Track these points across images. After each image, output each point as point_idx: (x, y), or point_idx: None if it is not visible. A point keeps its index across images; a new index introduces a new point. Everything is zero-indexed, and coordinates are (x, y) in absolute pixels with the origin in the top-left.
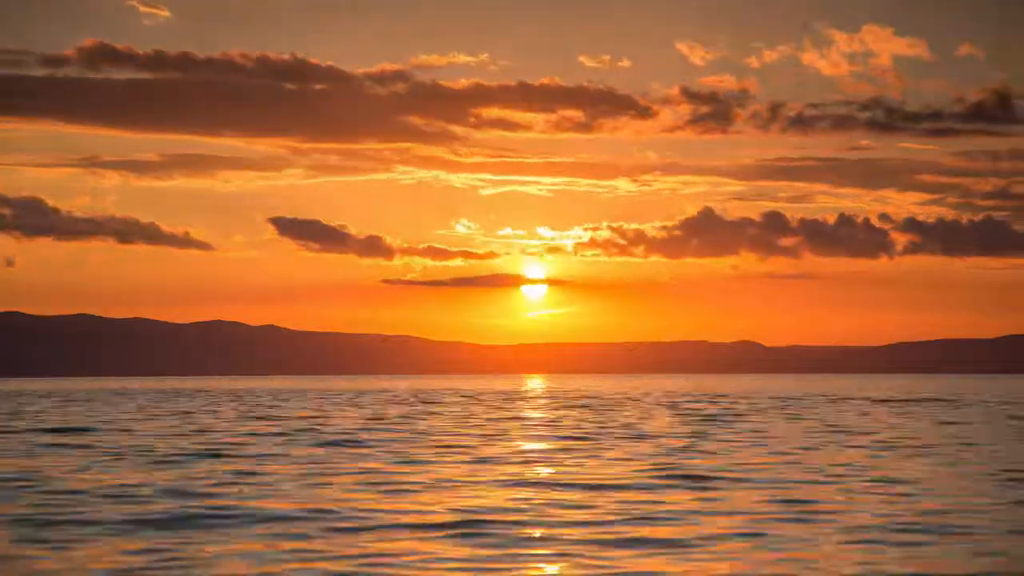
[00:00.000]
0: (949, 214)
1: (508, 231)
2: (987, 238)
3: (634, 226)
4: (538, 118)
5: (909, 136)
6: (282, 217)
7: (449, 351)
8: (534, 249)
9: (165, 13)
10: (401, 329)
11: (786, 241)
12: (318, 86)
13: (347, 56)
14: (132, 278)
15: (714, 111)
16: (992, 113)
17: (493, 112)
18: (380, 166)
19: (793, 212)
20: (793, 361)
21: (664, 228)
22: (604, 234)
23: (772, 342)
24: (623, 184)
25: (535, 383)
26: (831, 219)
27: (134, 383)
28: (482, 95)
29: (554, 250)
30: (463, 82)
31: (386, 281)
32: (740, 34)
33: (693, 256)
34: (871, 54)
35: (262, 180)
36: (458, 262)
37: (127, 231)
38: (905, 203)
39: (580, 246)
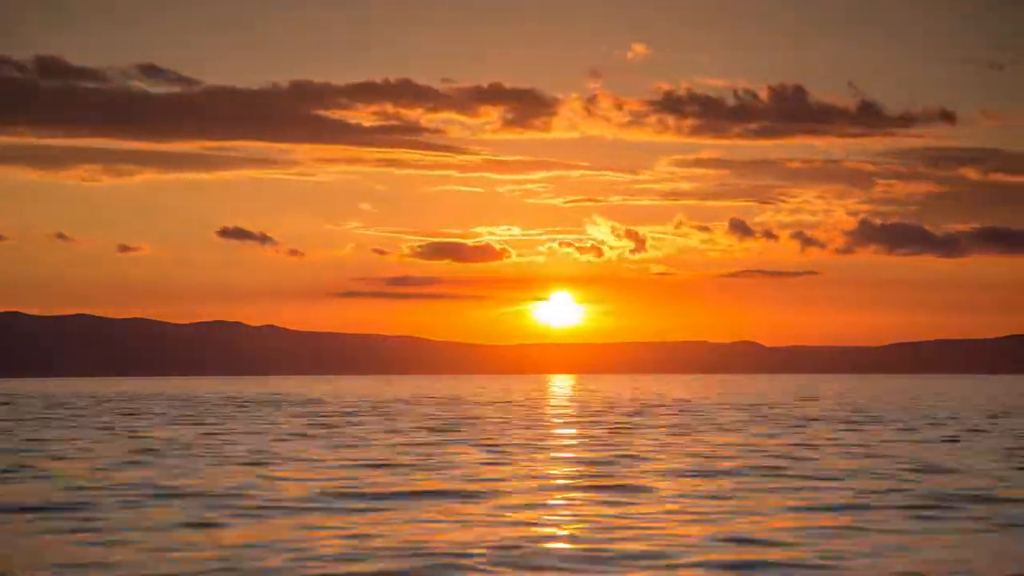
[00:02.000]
0: (861, 211)
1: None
2: (904, 239)
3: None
4: (366, 114)
5: (746, 136)
6: (235, 228)
7: (449, 351)
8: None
9: None
10: (402, 330)
11: (725, 237)
12: (85, 85)
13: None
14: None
15: (532, 108)
16: (790, 112)
17: (320, 110)
18: (252, 164)
19: (707, 211)
20: (793, 361)
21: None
22: (515, 233)
23: (772, 342)
24: (496, 182)
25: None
26: (743, 216)
27: (126, 384)
28: (278, 93)
29: (483, 249)
30: (264, 79)
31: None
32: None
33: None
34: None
35: (132, 176)
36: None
37: None
38: (817, 202)
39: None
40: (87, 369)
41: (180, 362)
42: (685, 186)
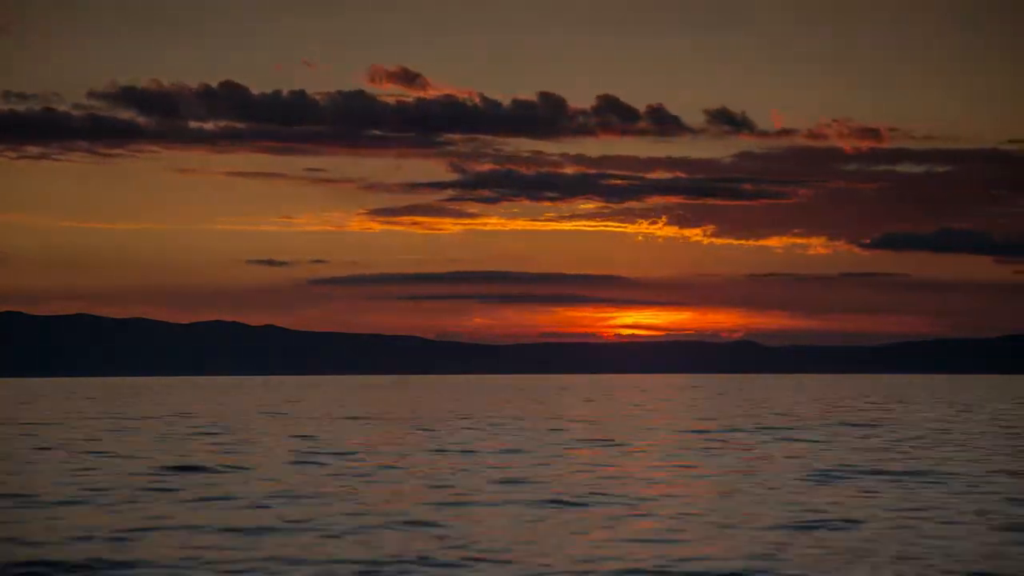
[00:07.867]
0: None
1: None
2: None
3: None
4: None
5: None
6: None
7: (447, 350)
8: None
9: None
10: (403, 329)
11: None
12: None
13: None
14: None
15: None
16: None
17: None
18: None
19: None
20: (793, 361)
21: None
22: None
23: (772, 342)
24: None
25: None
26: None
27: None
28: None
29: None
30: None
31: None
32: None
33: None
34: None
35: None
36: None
37: None
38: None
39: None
40: (86, 369)
41: (180, 362)
42: None
